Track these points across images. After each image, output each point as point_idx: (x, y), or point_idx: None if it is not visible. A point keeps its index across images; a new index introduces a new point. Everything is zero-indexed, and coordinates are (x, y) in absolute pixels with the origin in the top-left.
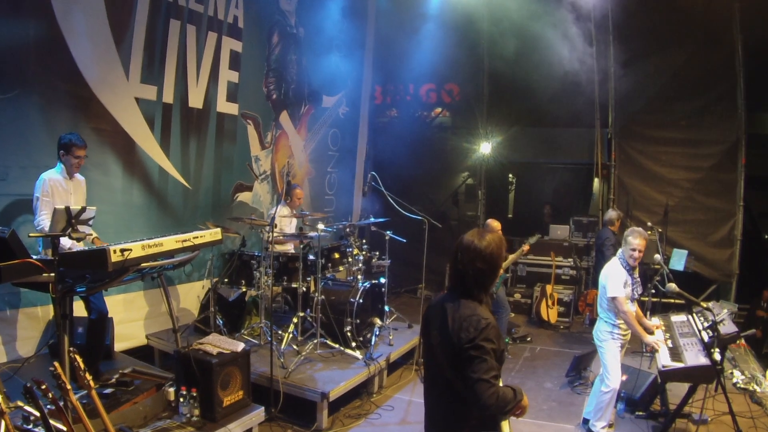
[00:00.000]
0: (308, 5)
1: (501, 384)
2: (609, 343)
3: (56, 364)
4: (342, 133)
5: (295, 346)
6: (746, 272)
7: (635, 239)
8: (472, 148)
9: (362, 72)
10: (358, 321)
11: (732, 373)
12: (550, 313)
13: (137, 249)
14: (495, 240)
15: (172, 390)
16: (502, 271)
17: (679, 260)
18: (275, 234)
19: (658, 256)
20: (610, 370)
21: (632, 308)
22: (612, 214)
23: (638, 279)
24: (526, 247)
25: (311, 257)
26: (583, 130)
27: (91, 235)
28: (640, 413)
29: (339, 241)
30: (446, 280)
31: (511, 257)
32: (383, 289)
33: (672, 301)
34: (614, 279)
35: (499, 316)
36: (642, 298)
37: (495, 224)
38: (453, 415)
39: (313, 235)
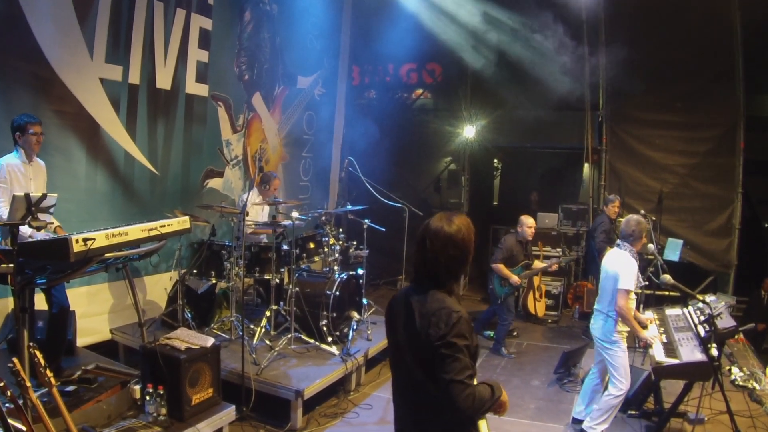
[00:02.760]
0: None
1: (476, 382)
2: (620, 344)
3: (15, 360)
4: (318, 115)
5: (267, 341)
6: (745, 263)
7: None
8: (456, 132)
9: (339, 51)
10: (334, 315)
11: (730, 369)
12: (537, 306)
13: (101, 238)
14: (464, 223)
15: (137, 387)
16: (519, 281)
17: (674, 250)
18: (247, 223)
19: (651, 246)
20: (623, 374)
21: (634, 300)
22: (610, 196)
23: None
24: (555, 266)
25: (285, 247)
26: (572, 112)
27: (53, 223)
28: (633, 412)
29: (314, 230)
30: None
31: (538, 266)
32: (361, 281)
33: (666, 293)
34: (630, 271)
35: (503, 323)
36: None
37: (526, 219)
38: (425, 420)
39: (287, 224)
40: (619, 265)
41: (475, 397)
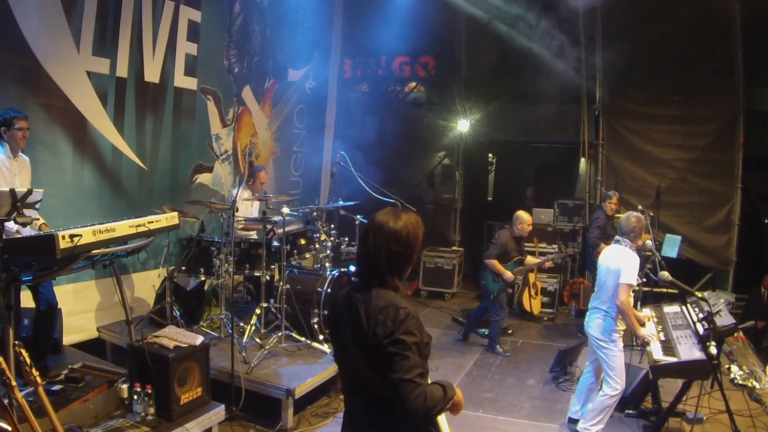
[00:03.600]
0: None
1: (429, 381)
2: (617, 344)
3: (0, 359)
4: (309, 109)
5: (257, 340)
6: (744, 260)
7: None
8: (449, 126)
9: (330, 43)
10: (325, 312)
11: (729, 368)
12: (533, 303)
13: (88, 235)
14: (411, 220)
15: (125, 387)
16: (513, 277)
17: (672, 246)
18: (236, 219)
19: (649, 242)
20: (619, 374)
21: (632, 298)
22: (610, 192)
23: None
24: (548, 264)
25: (275, 243)
26: (568, 106)
27: (38, 220)
28: (630, 411)
29: (305, 226)
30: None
31: (531, 262)
32: (353, 278)
33: (664, 290)
34: (633, 265)
35: (495, 319)
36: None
37: (524, 215)
38: (379, 424)
39: (278, 220)
40: (622, 260)
41: (427, 396)
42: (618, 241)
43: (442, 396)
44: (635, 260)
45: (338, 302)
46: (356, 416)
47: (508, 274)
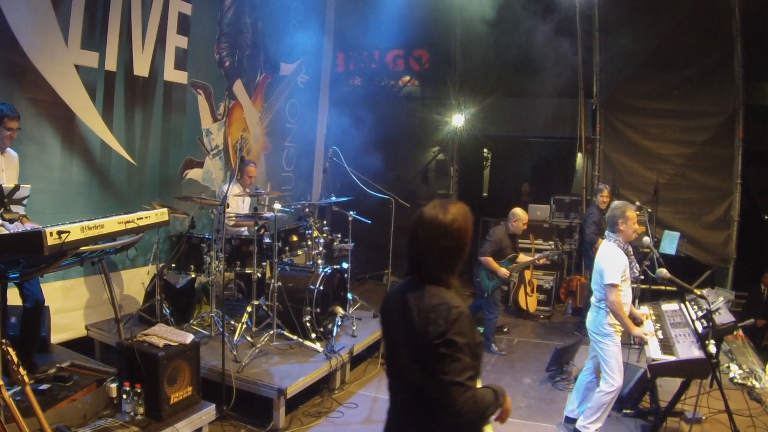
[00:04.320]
0: None
1: (480, 384)
2: (612, 337)
3: None
4: (301, 103)
5: (249, 338)
6: (744, 256)
7: (633, 212)
8: (444, 121)
9: (323, 37)
10: (318, 310)
11: (728, 367)
12: (529, 301)
13: (76, 231)
14: (461, 212)
15: (114, 386)
16: (507, 274)
17: (670, 243)
18: (227, 215)
19: (647, 239)
20: (615, 369)
21: (629, 293)
22: (600, 186)
23: (633, 256)
24: (543, 260)
25: (267, 240)
26: (565, 100)
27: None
28: (628, 411)
29: (297, 223)
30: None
31: (524, 259)
32: (346, 275)
33: (663, 288)
34: (614, 263)
35: (489, 317)
36: (632, 284)
37: (521, 213)
38: (423, 426)
39: (269, 216)
40: (604, 259)
41: (476, 400)
42: (608, 237)
43: (492, 401)
44: (617, 258)
45: (389, 299)
46: (400, 414)
47: (503, 271)
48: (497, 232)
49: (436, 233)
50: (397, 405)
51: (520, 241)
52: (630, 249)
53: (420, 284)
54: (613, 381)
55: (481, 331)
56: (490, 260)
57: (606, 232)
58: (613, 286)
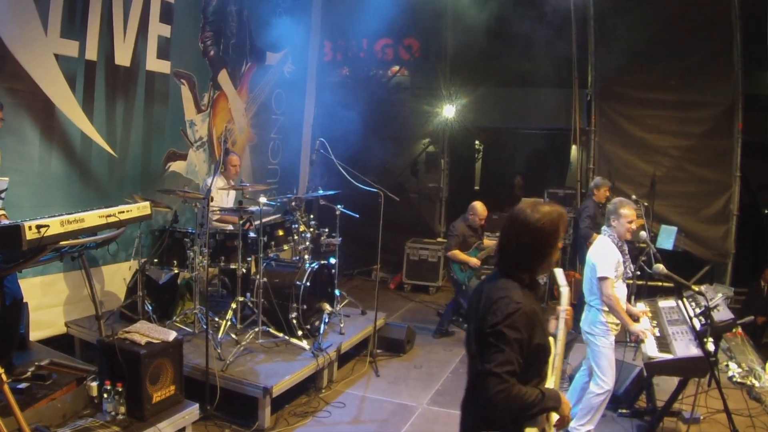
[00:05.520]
0: None
1: (548, 386)
2: (606, 336)
3: None
4: (287, 94)
5: (233, 335)
6: (743, 252)
7: (629, 210)
8: (434, 112)
9: (310, 25)
10: (304, 307)
11: (727, 365)
12: None
13: (55, 225)
14: (551, 215)
15: (94, 384)
16: (478, 262)
17: (667, 238)
18: (211, 209)
19: (643, 234)
20: (606, 370)
21: (623, 290)
22: (597, 180)
23: (628, 255)
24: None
25: (252, 235)
26: (559, 90)
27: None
28: (624, 411)
29: (283, 217)
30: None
31: (489, 243)
32: (333, 271)
33: (660, 284)
34: (606, 257)
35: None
36: (626, 281)
37: (481, 209)
38: (481, 417)
39: (254, 210)
40: (596, 254)
41: (511, 395)
42: (603, 231)
43: (534, 402)
44: (610, 252)
45: (475, 288)
46: (466, 393)
47: (474, 260)
48: (458, 226)
49: (517, 228)
50: (467, 385)
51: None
52: (625, 247)
53: (498, 276)
54: (603, 383)
55: (465, 327)
56: (457, 253)
57: (603, 227)
58: (606, 279)
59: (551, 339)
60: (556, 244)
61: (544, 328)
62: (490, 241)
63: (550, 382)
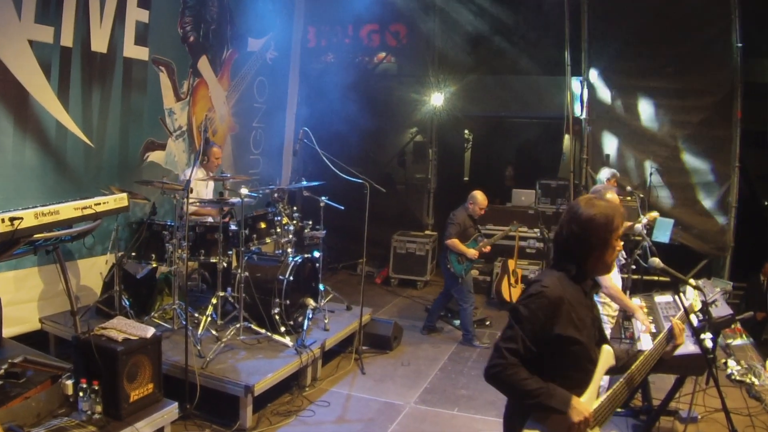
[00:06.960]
0: None
1: (593, 393)
2: None
3: None
4: (270, 81)
5: (214, 332)
6: (742, 245)
7: (611, 195)
8: (422, 100)
9: (293, 10)
10: (287, 302)
11: (726, 363)
12: (512, 292)
13: (29, 218)
14: (607, 208)
15: (70, 383)
16: (476, 254)
17: (663, 231)
18: (191, 200)
19: (639, 227)
20: None
21: (619, 280)
22: (604, 172)
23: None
24: (506, 232)
25: (233, 227)
26: (551, 78)
27: None
28: (619, 410)
29: (266, 209)
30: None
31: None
32: (317, 265)
33: (655, 278)
34: None
35: (464, 306)
36: (621, 275)
37: (481, 198)
38: (509, 405)
39: (236, 202)
40: None
41: (504, 372)
42: None
43: (529, 391)
44: None
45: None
46: None
47: (472, 252)
48: (458, 215)
49: (569, 217)
50: None
51: (501, 228)
52: None
53: (550, 266)
54: None
55: (457, 324)
56: (456, 242)
57: None
58: None
59: (606, 347)
60: (610, 242)
61: (577, 324)
62: (489, 242)
63: (586, 396)
